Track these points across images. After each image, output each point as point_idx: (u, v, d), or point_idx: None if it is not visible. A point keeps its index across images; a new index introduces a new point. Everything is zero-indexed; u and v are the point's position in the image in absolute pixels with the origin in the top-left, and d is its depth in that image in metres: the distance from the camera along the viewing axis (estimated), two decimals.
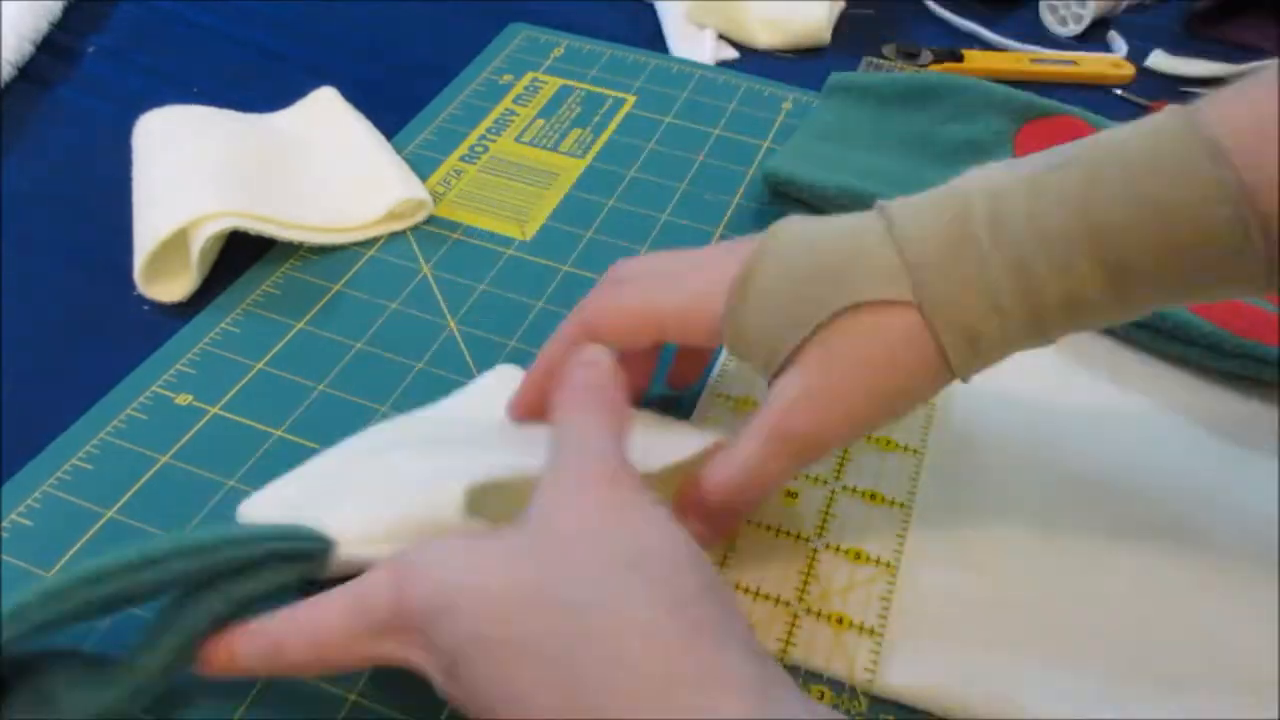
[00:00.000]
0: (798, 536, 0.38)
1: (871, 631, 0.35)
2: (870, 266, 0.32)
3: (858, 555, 0.37)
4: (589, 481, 0.29)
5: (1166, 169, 0.29)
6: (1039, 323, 0.31)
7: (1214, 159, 0.29)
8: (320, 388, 0.43)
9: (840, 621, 0.35)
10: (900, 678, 0.34)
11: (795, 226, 0.34)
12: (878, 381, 0.32)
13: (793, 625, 0.35)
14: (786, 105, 0.60)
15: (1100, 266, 0.30)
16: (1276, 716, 0.33)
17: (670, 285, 0.36)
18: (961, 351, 0.31)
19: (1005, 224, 0.31)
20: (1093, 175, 0.30)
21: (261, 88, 0.60)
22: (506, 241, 0.51)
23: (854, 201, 0.50)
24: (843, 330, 0.32)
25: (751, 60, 0.66)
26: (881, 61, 0.66)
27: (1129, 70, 0.66)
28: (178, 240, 0.45)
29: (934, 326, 0.31)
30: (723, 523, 0.35)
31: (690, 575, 0.26)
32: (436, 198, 0.53)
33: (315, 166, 0.52)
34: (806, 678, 0.34)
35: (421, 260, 0.49)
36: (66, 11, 0.65)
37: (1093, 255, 0.30)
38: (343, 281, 0.48)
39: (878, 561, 0.37)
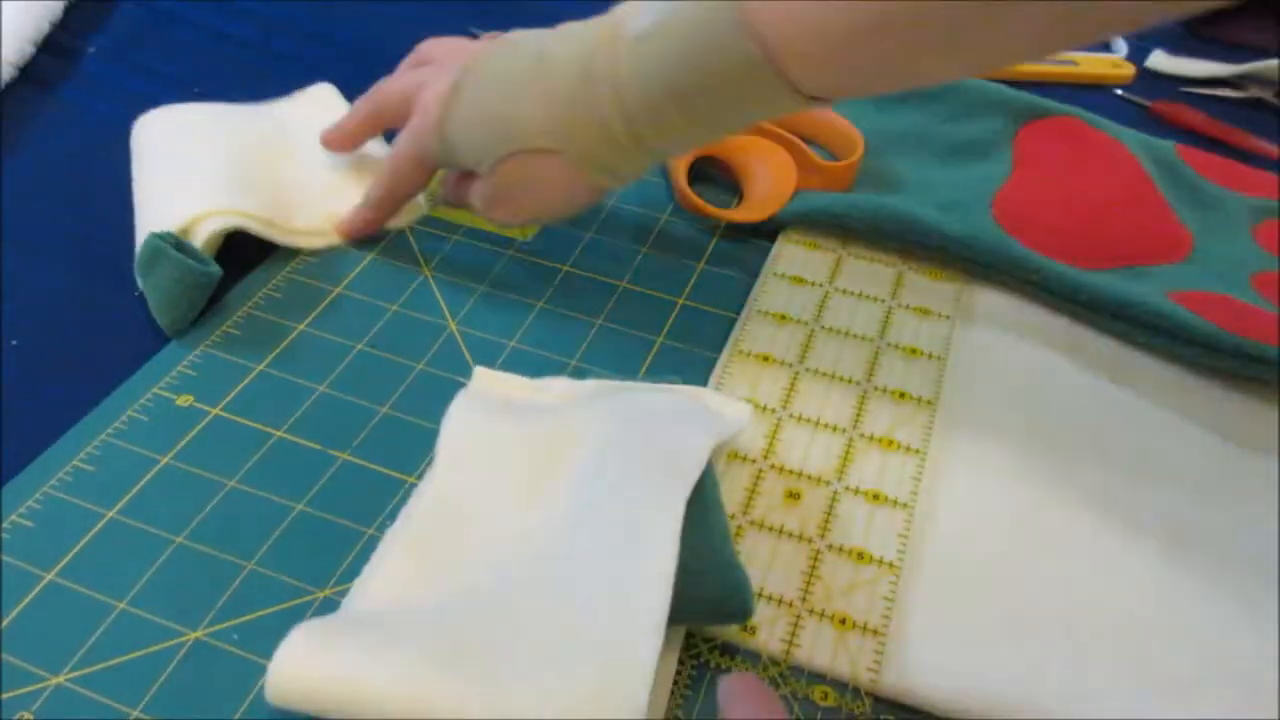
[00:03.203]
0: (800, 537, 0.38)
1: (875, 632, 0.35)
2: (532, 120, 0.42)
3: (861, 556, 0.37)
4: None
5: (703, 21, 0.37)
6: (639, 145, 0.41)
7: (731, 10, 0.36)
8: (321, 389, 0.43)
9: (843, 622, 0.35)
10: (903, 678, 0.34)
11: (494, 62, 0.43)
12: (538, 198, 0.44)
13: (796, 626, 0.35)
14: None
15: (676, 109, 0.39)
16: (1276, 717, 0.33)
17: (431, 77, 0.47)
18: (596, 174, 0.43)
19: (622, 98, 0.39)
20: (662, 49, 0.38)
21: (261, 88, 0.60)
22: (506, 242, 0.50)
23: (852, 204, 0.50)
24: (513, 166, 0.43)
25: None
26: None
27: (1129, 70, 0.66)
28: None
29: (574, 162, 0.42)
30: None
31: None
32: (437, 199, 0.53)
33: (314, 167, 0.52)
34: (810, 679, 0.34)
35: (422, 261, 0.49)
36: (66, 11, 0.65)
37: (672, 104, 0.39)
38: (343, 284, 0.48)
39: (881, 562, 0.37)
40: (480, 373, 0.42)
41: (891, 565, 0.37)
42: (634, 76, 0.39)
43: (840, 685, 0.34)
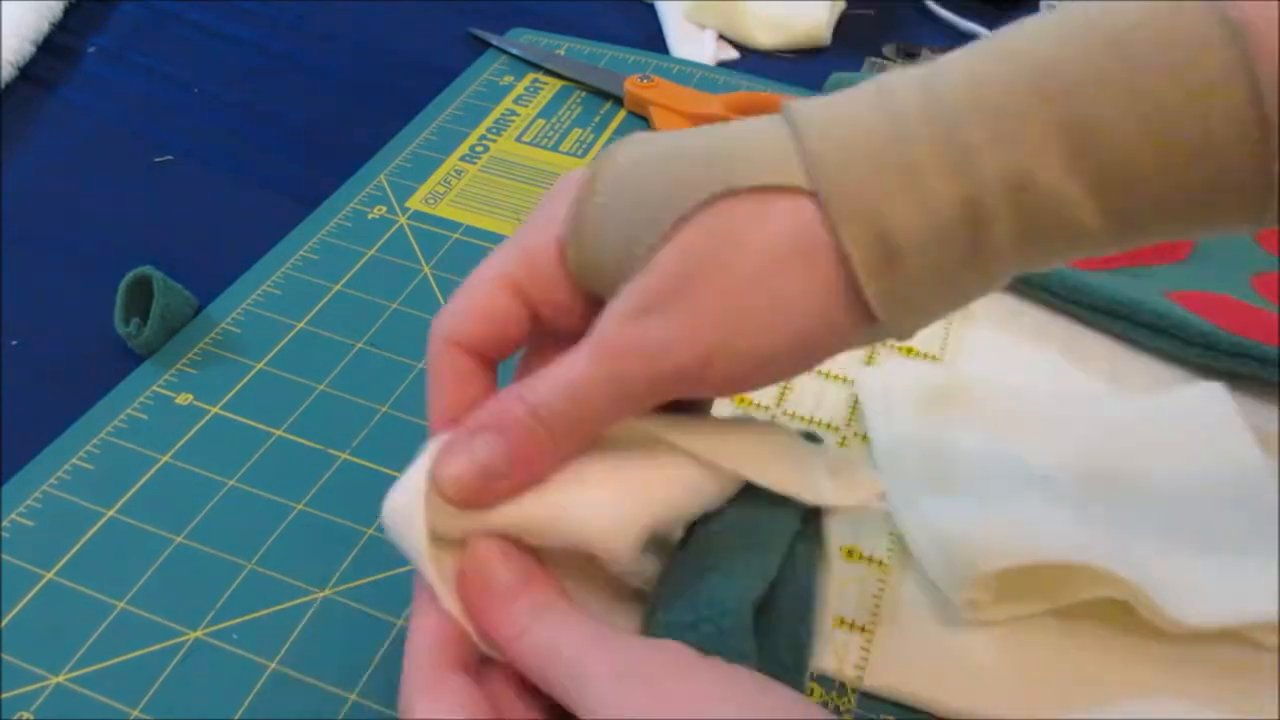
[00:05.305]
0: None
1: (862, 629, 0.35)
2: (752, 149, 0.24)
3: (850, 553, 0.37)
4: None
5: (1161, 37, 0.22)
6: (975, 225, 0.23)
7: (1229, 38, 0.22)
8: (321, 387, 0.43)
9: (832, 619, 0.35)
10: (889, 675, 0.34)
11: (648, 135, 0.27)
12: (753, 292, 0.24)
13: None
14: None
15: (1055, 134, 0.22)
16: (1277, 717, 0.33)
17: (508, 243, 0.28)
18: (872, 255, 0.23)
19: (936, 96, 0.24)
20: (1063, 35, 0.24)
21: (261, 87, 0.60)
22: None
23: None
24: (710, 226, 0.24)
25: (752, 61, 0.66)
26: (882, 61, 0.66)
27: None
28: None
29: (833, 218, 0.23)
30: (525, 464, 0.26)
31: None
32: (436, 198, 0.53)
33: None
34: None
35: (422, 260, 0.49)
36: (66, 11, 0.65)
37: (1047, 119, 0.22)
38: (343, 281, 0.48)
39: (870, 559, 0.37)
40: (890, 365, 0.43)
41: (881, 563, 0.37)
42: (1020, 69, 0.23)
43: (827, 681, 0.34)
